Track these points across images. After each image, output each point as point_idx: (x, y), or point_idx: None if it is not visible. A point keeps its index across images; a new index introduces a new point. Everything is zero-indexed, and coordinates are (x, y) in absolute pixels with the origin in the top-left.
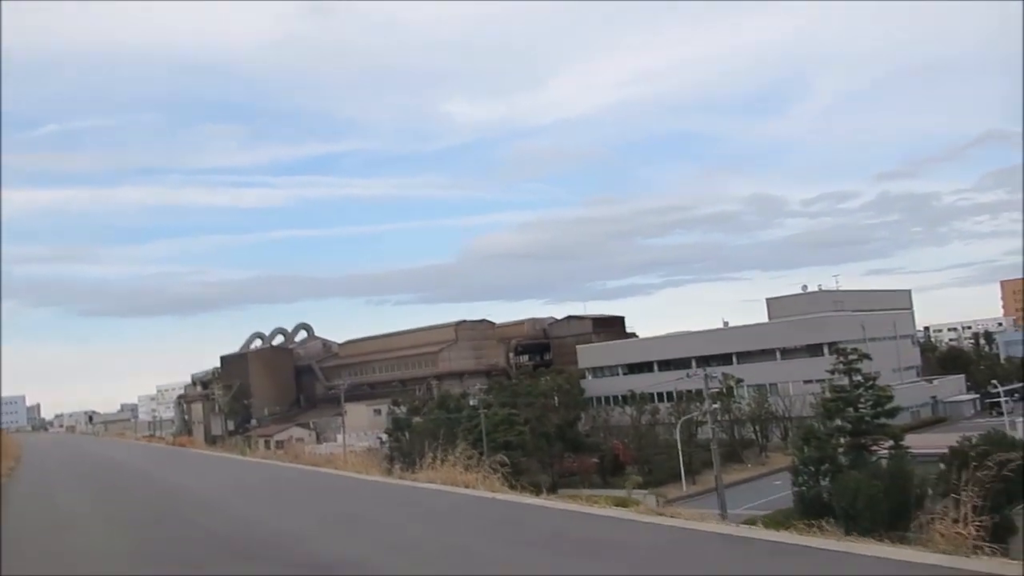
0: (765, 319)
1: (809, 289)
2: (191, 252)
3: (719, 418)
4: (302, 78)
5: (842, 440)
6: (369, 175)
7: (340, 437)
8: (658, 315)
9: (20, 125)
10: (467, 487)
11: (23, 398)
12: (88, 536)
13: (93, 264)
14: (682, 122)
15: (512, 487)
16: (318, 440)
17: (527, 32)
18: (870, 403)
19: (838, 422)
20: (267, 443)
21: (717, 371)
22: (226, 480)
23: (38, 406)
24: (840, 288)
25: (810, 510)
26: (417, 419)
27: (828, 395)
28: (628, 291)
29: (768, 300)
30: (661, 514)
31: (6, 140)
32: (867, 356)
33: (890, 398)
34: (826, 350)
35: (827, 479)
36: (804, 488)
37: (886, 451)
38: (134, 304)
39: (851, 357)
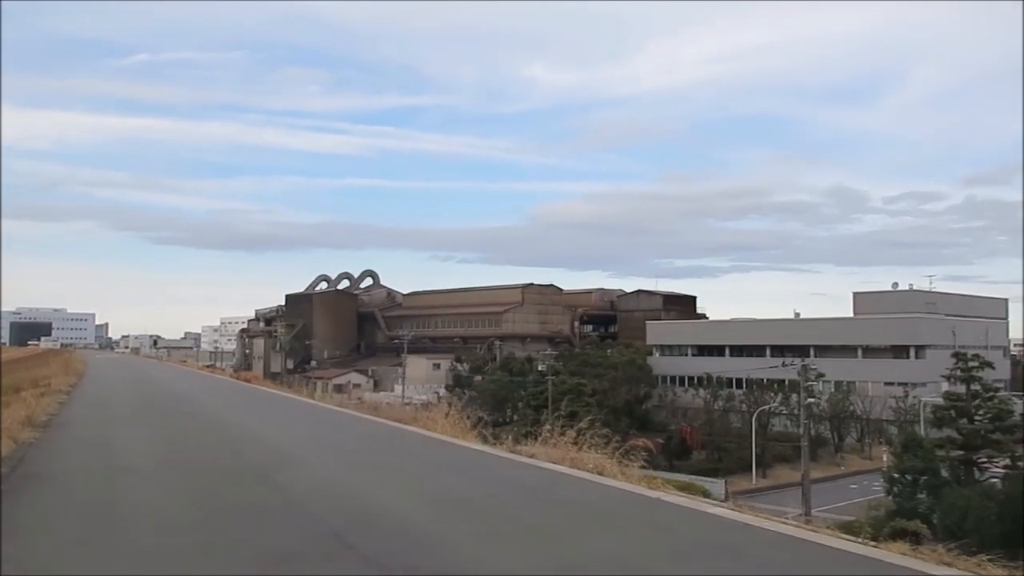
0: (835, 314)
1: (900, 287)
2: (265, 191)
3: (795, 412)
4: (389, 30)
5: (950, 453)
6: (445, 131)
7: (398, 387)
8: (723, 299)
9: (112, 51)
10: (600, 474)
11: (93, 316)
12: (142, 499)
13: (171, 194)
14: (766, 105)
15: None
16: (375, 388)
17: (617, 2)
18: (988, 416)
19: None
20: (325, 385)
21: (813, 363)
22: (306, 432)
23: (106, 325)
24: (933, 290)
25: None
26: (478, 378)
27: (941, 402)
28: (694, 272)
29: (855, 295)
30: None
31: (97, 65)
32: (989, 364)
33: (1011, 412)
34: (913, 353)
35: (925, 492)
36: (899, 499)
37: (1000, 469)
38: (206, 237)
39: (971, 364)
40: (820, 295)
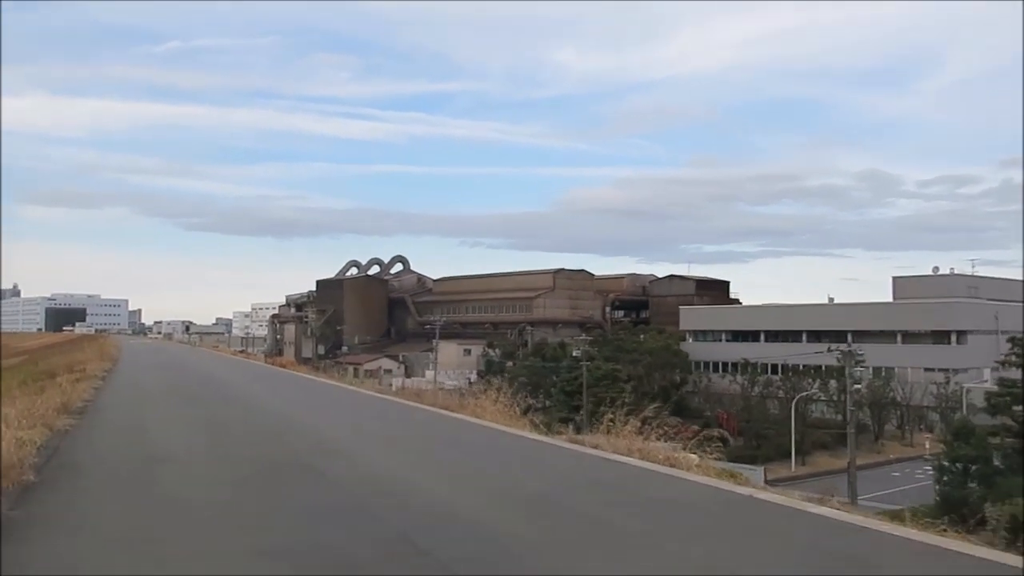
0: (868, 299)
1: (941, 271)
2: (295, 177)
3: (834, 399)
4: (419, 15)
5: (1005, 440)
6: (475, 117)
7: (429, 373)
8: (753, 285)
9: (145, 38)
10: (671, 465)
11: (126, 302)
12: (185, 494)
13: (202, 180)
14: (799, 89)
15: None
16: (406, 374)
17: None
18: None
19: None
20: (356, 371)
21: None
22: (350, 420)
23: (139, 311)
24: (975, 274)
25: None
26: (510, 364)
27: (988, 387)
28: (724, 257)
29: (895, 279)
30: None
31: (131, 52)
32: None
33: None
34: (954, 338)
35: (976, 482)
36: (949, 488)
37: None
38: (236, 222)
39: None
40: (852, 280)
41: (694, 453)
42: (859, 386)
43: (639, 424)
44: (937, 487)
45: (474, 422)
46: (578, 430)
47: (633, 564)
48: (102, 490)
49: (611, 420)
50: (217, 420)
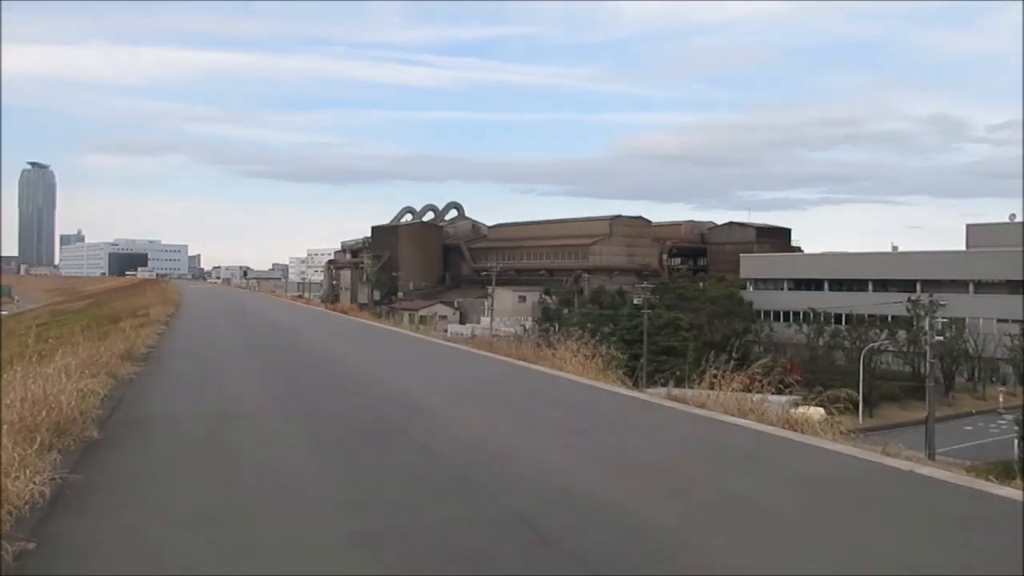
0: (934, 247)
1: (1018, 219)
2: (349, 124)
3: (903, 350)
4: None
5: None
6: (530, 62)
7: (484, 319)
8: (812, 232)
9: None
10: (792, 428)
11: (186, 247)
12: (268, 461)
13: (258, 128)
14: (861, 28)
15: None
16: (461, 320)
17: None
18: None
19: None
20: (412, 317)
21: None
22: (426, 371)
23: (199, 257)
24: None
25: None
26: (566, 311)
27: None
28: (781, 204)
29: (968, 227)
30: None
31: (187, 3)
32: None
33: None
34: None
35: None
36: None
37: None
38: (292, 169)
39: None
40: (916, 228)
41: (821, 406)
42: (941, 337)
43: (747, 381)
44: (1021, 443)
45: (559, 375)
46: (679, 383)
47: (824, 559)
48: (173, 452)
49: (715, 376)
50: (289, 370)
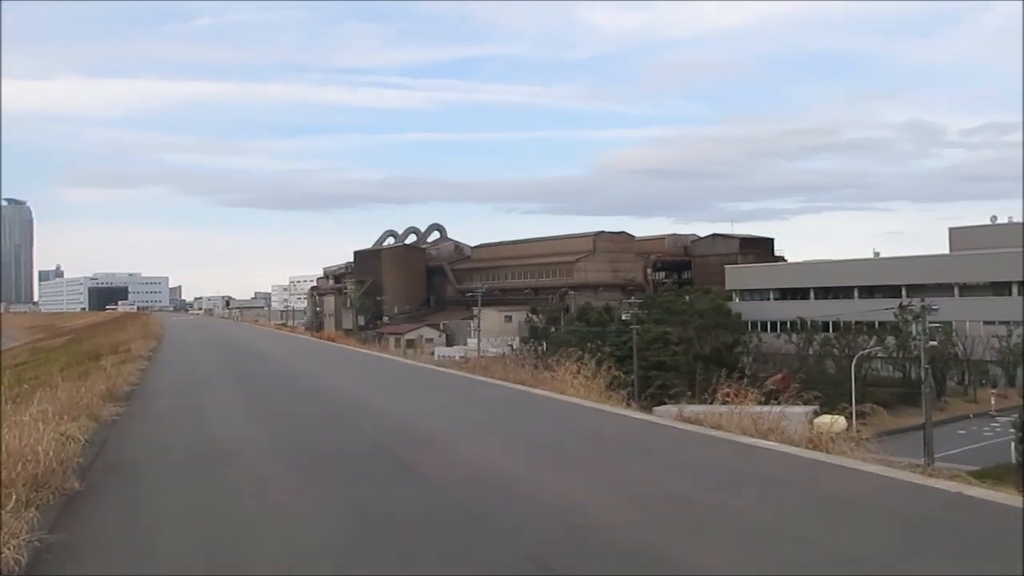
0: (914, 252)
1: (1000, 221)
2: (330, 150)
3: (893, 356)
4: None
5: None
6: (507, 81)
7: (471, 341)
8: (792, 242)
9: (176, 17)
10: (817, 449)
11: (167, 279)
12: (262, 505)
13: (238, 156)
14: (835, 40)
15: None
16: (448, 342)
17: None
18: None
19: None
20: (398, 341)
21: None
22: (423, 399)
23: (179, 288)
24: None
25: None
26: (553, 330)
27: None
28: (762, 215)
29: (951, 230)
30: None
31: (164, 31)
32: None
33: None
34: (1015, 289)
35: None
36: None
37: None
38: (273, 197)
39: None
40: (896, 234)
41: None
42: (935, 343)
43: (763, 398)
44: (1020, 447)
45: (562, 399)
46: (673, 399)
47: None
48: (159, 501)
49: (727, 394)
50: (278, 403)
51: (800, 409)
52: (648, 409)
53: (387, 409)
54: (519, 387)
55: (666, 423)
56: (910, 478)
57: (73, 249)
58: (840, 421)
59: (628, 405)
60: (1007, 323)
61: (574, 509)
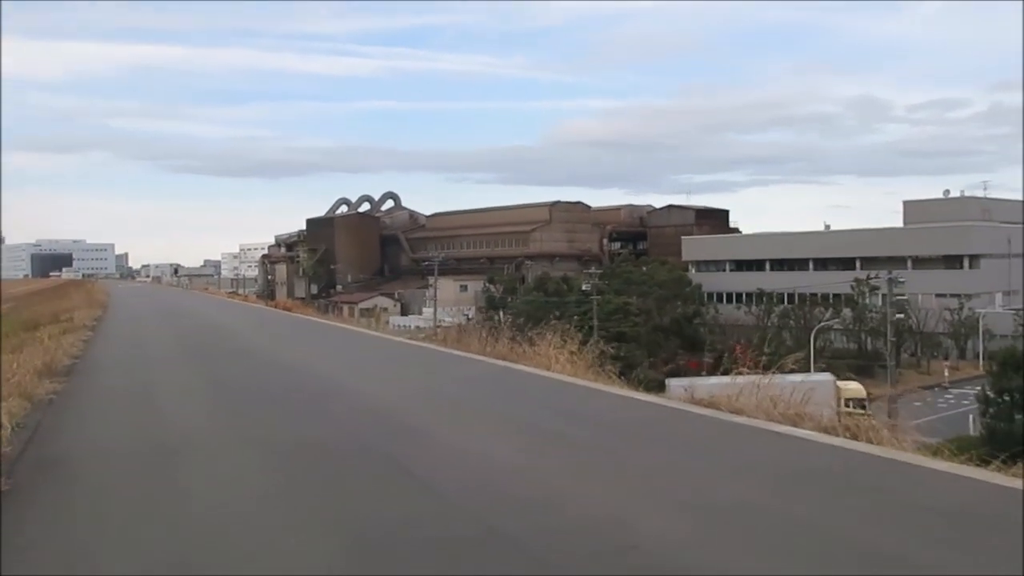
0: (859, 225)
1: (953, 195)
2: (280, 117)
3: (850, 327)
4: None
5: None
6: (459, 51)
7: (426, 311)
8: (743, 214)
9: None
10: (856, 438)
11: (112, 246)
12: (227, 514)
13: (186, 122)
14: (788, 14)
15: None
16: (403, 312)
17: None
18: None
19: None
20: (351, 310)
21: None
22: (396, 378)
23: (126, 255)
24: (988, 196)
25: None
26: (510, 300)
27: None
28: (713, 187)
29: (906, 203)
30: None
31: None
32: None
33: None
34: (967, 262)
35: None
36: (995, 420)
37: None
38: (223, 164)
39: None
40: (842, 207)
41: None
42: (902, 315)
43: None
44: (983, 419)
45: (551, 377)
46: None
47: None
48: (101, 508)
49: (738, 369)
50: (237, 382)
51: (820, 377)
52: (635, 385)
53: (361, 389)
54: (499, 362)
55: (679, 407)
56: (983, 477)
57: (14, 216)
58: (857, 387)
59: (631, 387)
60: (959, 296)
61: (613, 520)
